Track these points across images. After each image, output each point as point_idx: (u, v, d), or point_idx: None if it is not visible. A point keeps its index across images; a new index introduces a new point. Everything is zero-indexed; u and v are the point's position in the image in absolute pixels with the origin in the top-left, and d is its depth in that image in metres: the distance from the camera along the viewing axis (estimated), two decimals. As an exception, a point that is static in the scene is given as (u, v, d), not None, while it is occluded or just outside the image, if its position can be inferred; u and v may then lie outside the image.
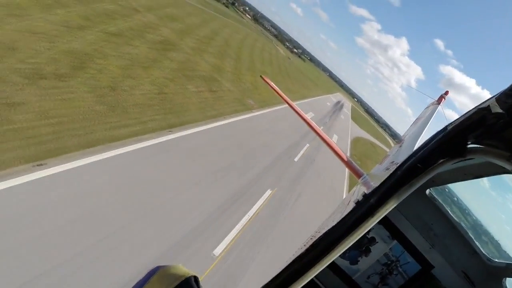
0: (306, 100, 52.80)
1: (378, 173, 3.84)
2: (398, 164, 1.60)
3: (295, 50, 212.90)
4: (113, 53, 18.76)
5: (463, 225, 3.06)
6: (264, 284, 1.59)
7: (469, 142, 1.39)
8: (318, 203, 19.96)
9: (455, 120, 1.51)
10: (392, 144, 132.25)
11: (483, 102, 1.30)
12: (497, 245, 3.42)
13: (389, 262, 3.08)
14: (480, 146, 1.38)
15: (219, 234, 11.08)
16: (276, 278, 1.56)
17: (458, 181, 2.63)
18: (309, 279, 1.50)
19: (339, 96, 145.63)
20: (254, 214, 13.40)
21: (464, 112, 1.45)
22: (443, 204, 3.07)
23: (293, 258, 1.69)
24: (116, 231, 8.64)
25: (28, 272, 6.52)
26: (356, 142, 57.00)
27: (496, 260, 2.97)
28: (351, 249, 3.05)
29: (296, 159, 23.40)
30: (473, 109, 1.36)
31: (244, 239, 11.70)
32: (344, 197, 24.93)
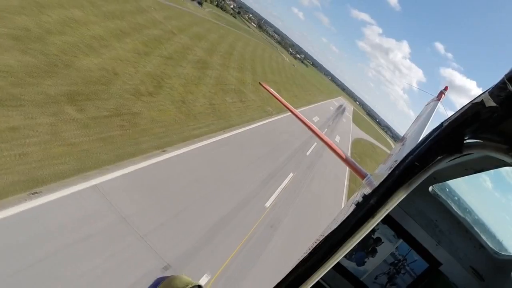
0: (311, 106, 59.17)
1: (381, 173, 3.66)
2: (396, 164, 1.60)
3: (298, 56, 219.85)
4: (173, 74, 25.20)
5: (468, 220, 3.07)
6: None
7: (466, 137, 1.40)
8: (325, 184, 26.32)
9: (450, 116, 1.53)
10: (393, 145, 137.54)
11: (476, 97, 1.33)
12: (503, 239, 3.27)
13: (396, 261, 3.10)
14: (477, 140, 1.38)
15: (266, 196, 17.41)
16: (281, 283, 1.59)
17: (460, 177, 2.68)
18: (313, 282, 1.54)
19: (341, 100, 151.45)
20: (284, 186, 19.73)
21: (459, 108, 1.50)
22: (447, 201, 3.09)
23: (297, 262, 1.72)
24: (211, 191, 15.00)
25: (177, 207, 12.87)
26: (357, 143, 63.06)
27: (503, 253, 2.99)
28: (357, 251, 3.07)
29: (307, 153, 29.67)
30: (467, 104, 1.39)
31: (281, 199, 18.03)
32: (345, 184, 31.23)
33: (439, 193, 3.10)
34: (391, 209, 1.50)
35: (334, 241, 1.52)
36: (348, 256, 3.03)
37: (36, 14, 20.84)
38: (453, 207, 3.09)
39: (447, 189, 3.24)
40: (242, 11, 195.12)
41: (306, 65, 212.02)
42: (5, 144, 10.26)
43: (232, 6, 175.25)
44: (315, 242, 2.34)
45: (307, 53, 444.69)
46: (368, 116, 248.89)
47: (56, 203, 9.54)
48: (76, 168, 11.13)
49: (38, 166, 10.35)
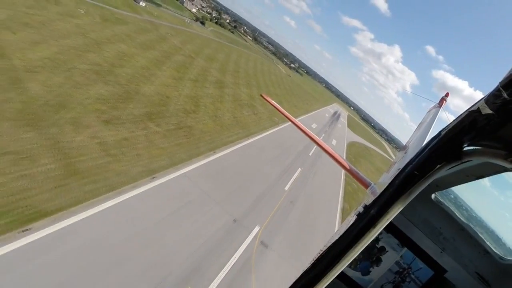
0: (309, 114, 65.94)
1: (385, 182, 3.13)
2: (396, 174, 1.62)
3: (292, 65, 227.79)
4: (203, 94, 31.71)
5: (471, 226, 3.07)
6: None
7: (464, 145, 1.41)
8: (326, 178, 32.71)
9: (448, 125, 1.54)
10: (387, 148, 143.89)
11: (473, 105, 1.34)
12: (507, 243, 3.30)
13: (401, 270, 3.09)
14: (476, 147, 1.41)
15: (284, 183, 23.80)
16: None
17: (461, 183, 2.67)
18: None
19: (336, 106, 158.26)
20: (296, 177, 26.11)
21: (456, 116, 1.51)
22: (450, 207, 3.09)
23: (301, 273, 1.73)
24: (249, 179, 21.39)
25: (232, 187, 19.24)
26: (351, 146, 69.53)
27: (509, 258, 3.00)
28: (362, 260, 3.07)
29: (310, 154, 36.10)
30: (464, 112, 1.40)
31: (295, 185, 24.45)
32: (342, 177, 37.62)
33: (442, 200, 3.09)
34: (392, 218, 1.54)
35: (337, 251, 1.56)
36: (353, 266, 3.03)
37: (98, 50, 27.53)
38: (457, 214, 3.08)
39: (450, 196, 3.26)
40: (237, 24, 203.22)
41: (301, 74, 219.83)
42: (125, 148, 16.66)
43: (228, 21, 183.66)
44: (319, 253, 2.18)
45: (300, 61, 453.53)
46: (363, 120, 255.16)
47: (166, 184, 15.90)
48: (170, 163, 17.51)
49: (149, 162, 16.73)
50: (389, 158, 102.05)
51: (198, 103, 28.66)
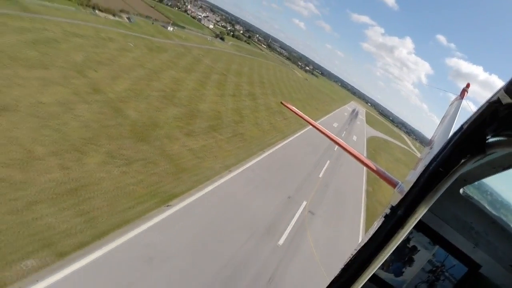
0: (329, 115, 71.47)
1: (412, 180, 2.72)
2: (421, 172, 1.60)
3: (307, 68, 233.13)
4: (242, 106, 38.02)
5: (503, 218, 3.02)
6: None
7: (488, 137, 1.39)
8: (351, 168, 38.31)
9: (469, 118, 1.53)
10: (407, 140, 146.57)
11: (492, 96, 1.33)
12: None
13: (434, 268, 3.05)
14: (500, 138, 1.38)
15: (318, 171, 29.66)
16: None
17: (489, 176, 2.61)
18: None
19: (353, 104, 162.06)
20: (326, 167, 31.90)
21: (477, 108, 1.49)
22: (480, 201, 3.04)
23: (331, 279, 1.73)
24: (292, 169, 27.41)
25: (282, 175, 25.31)
26: (371, 140, 74.38)
27: None
28: (394, 261, 3.04)
29: (335, 149, 41.77)
30: (484, 104, 1.39)
31: (326, 173, 30.25)
32: (365, 168, 43.16)
33: (471, 194, 3.01)
34: (419, 218, 1.52)
35: (366, 255, 1.55)
36: (385, 268, 3.00)
37: (158, 79, 34.27)
38: (487, 207, 3.00)
39: (479, 189, 3.21)
40: (250, 34, 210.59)
41: (317, 76, 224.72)
42: (206, 152, 22.96)
43: (241, 32, 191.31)
44: (349, 257, 2.13)
45: (313, 62, 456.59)
46: (381, 115, 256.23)
47: (239, 174, 22.05)
48: (236, 160, 23.73)
49: (223, 160, 22.98)
50: (409, 149, 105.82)
51: (241, 114, 34.97)
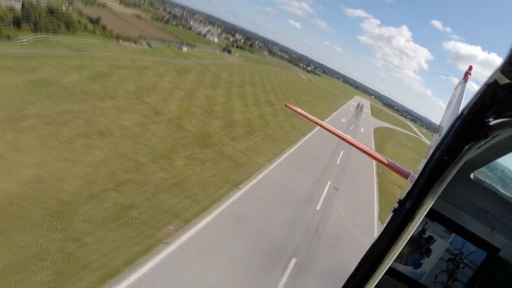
0: (337, 111, 77.90)
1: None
2: (425, 162, 1.59)
3: (309, 68, 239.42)
4: (264, 112, 44.74)
5: None
6: None
7: (490, 120, 1.37)
8: (361, 155, 44.70)
9: (468, 103, 1.51)
10: (413, 127, 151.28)
11: (489, 78, 1.31)
12: None
13: (452, 256, 3.02)
14: (503, 120, 1.36)
15: (335, 159, 36.20)
16: None
17: (498, 157, 2.61)
18: None
19: (357, 99, 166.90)
20: (341, 156, 38.37)
21: (475, 92, 1.46)
22: (492, 184, 3.01)
23: (347, 277, 1.71)
24: (315, 159, 34.02)
25: (308, 163, 31.96)
26: (377, 130, 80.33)
27: None
28: (412, 253, 3.01)
29: (347, 141, 48.24)
30: (482, 87, 1.37)
31: (342, 161, 36.74)
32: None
33: (482, 178, 3.00)
34: (428, 209, 1.50)
35: (379, 251, 1.54)
36: (403, 261, 2.95)
37: (194, 97, 41.23)
38: (500, 189, 2.96)
39: (490, 172, 3.19)
40: (251, 42, 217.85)
41: (319, 75, 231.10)
42: (250, 151, 29.63)
43: (242, 41, 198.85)
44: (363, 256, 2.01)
45: (314, 61, 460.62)
46: (385, 106, 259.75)
47: (278, 165, 28.72)
48: (273, 156, 30.41)
49: (264, 156, 29.67)
50: (415, 136, 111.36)
51: (265, 119, 41.72)
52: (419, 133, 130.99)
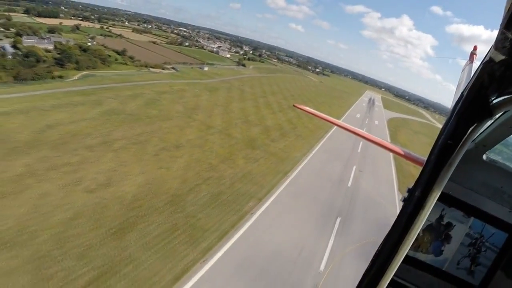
0: (351, 108, 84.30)
1: None
2: (431, 148, 1.56)
3: (317, 70, 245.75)
4: (290, 117, 51.74)
5: None
6: None
7: (492, 98, 1.35)
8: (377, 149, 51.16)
9: (467, 84, 1.49)
10: (424, 113, 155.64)
11: (485, 56, 1.31)
12: None
13: (473, 241, 2.96)
14: (505, 97, 1.34)
15: (356, 149, 42.82)
16: None
17: (508, 136, 2.58)
18: (385, 284, 1.52)
19: (368, 94, 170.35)
20: (361, 146, 44.92)
21: (473, 72, 1.44)
22: (505, 163, 2.98)
23: (364, 271, 1.69)
24: (341, 149, 40.78)
25: (336, 154, 38.79)
26: (390, 121, 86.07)
27: None
28: (432, 241, 2.96)
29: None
30: (479, 66, 1.37)
31: (362, 150, 43.30)
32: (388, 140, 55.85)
33: (494, 158, 2.95)
34: (439, 195, 1.47)
35: (392, 242, 1.52)
36: (424, 250, 2.90)
37: (231, 111, 48.44)
38: None
39: (502, 151, 3.12)
40: (260, 52, 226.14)
41: (328, 75, 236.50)
42: (288, 148, 36.68)
43: (251, 52, 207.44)
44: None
45: (320, 61, 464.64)
46: (396, 97, 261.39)
47: (313, 156, 35.63)
48: (307, 150, 37.39)
49: (300, 150, 36.66)
50: (427, 122, 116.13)
51: (292, 122, 48.76)
52: (431, 119, 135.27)
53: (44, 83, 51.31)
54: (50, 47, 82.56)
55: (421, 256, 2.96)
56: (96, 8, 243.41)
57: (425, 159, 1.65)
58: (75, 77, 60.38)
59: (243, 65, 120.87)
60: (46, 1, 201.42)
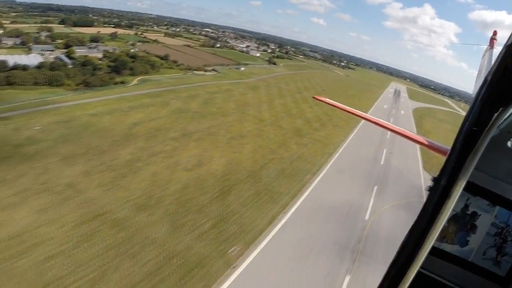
0: (379, 99, 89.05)
1: None
2: (455, 136, 1.50)
3: (342, 64, 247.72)
4: (326, 110, 58.03)
5: None
6: None
7: None
8: (406, 128, 56.64)
9: (491, 69, 1.45)
10: (451, 103, 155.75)
11: (508, 39, 1.27)
12: None
13: (499, 230, 2.82)
14: None
15: (385, 136, 48.61)
16: (383, 282, 1.58)
17: None
18: (413, 275, 1.48)
19: (393, 85, 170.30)
20: (390, 132, 50.69)
21: (496, 56, 1.42)
22: None
23: (391, 262, 1.63)
24: (371, 137, 46.88)
25: (367, 140, 44.94)
26: (416, 111, 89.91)
27: None
28: (457, 232, 2.83)
29: (391, 121, 60.03)
30: (502, 49, 1.33)
31: (392, 135, 49.02)
32: (415, 130, 60.62)
33: None
34: (465, 183, 1.41)
35: (418, 232, 1.48)
36: (449, 240, 2.78)
37: (274, 106, 55.21)
38: None
39: None
40: (286, 49, 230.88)
41: (353, 69, 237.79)
42: (330, 135, 43.17)
43: (278, 50, 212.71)
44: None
45: (343, 54, 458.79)
46: (421, 87, 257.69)
47: (351, 140, 41.95)
48: (344, 137, 43.77)
49: (339, 137, 43.04)
50: (452, 111, 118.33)
51: (328, 114, 55.04)
52: (456, 107, 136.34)
53: (110, 89, 58.30)
54: (100, 55, 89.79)
55: (446, 247, 2.82)
56: (121, 14, 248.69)
57: (449, 148, 1.66)
58: (135, 82, 68.01)
59: (274, 63, 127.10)
60: (72, 10, 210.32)
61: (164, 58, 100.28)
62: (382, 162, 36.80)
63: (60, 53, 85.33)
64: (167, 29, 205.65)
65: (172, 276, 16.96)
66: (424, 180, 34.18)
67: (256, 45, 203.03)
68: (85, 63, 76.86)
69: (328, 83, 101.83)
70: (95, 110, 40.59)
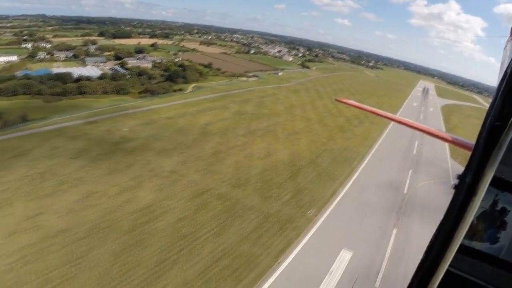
0: (408, 98, 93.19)
1: None
2: (479, 132, 1.45)
3: (370, 64, 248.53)
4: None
5: None
6: None
7: None
8: (432, 123, 61.72)
9: (511, 62, 1.42)
10: (479, 99, 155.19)
11: None
12: None
13: None
14: None
15: (416, 134, 54.23)
16: (412, 282, 1.54)
17: None
18: (442, 273, 1.46)
19: (422, 83, 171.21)
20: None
21: None
22: None
23: (420, 260, 1.60)
24: (402, 136, 52.80)
25: (397, 136, 50.99)
26: (444, 107, 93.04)
27: None
28: (486, 229, 2.59)
29: (421, 118, 64.84)
30: None
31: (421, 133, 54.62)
32: (443, 125, 65.44)
33: None
34: (491, 179, 1.36)
35: (446, 231, 1.44)
36: (479, 238, 2.56)
37: (316, 108, 61.93)
38: None
39: None
40: (315, 53, 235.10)
41: (382, 69, 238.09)
42: (367, 131, 49.48)
43: (308, 53, 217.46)
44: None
45: (370, 54, 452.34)
46: (450, 84, 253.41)
47: (386, 135, 48.09)
48: (380, 132, 49.84)
49: (374, 132, 49.27)
50: (480, 107, 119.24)
51: (364, 113, 60.99)
52: (484, 103, 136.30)
53: (171, 96, 64.09)
54: (149, 65, 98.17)
55: (476, 245, 2.53)
56: (150, 23, 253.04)
57: (474, 143, 1.59)
58: (190, 89, 75.48)
59: (307, 67, 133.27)
60: (103, 21, 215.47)
61: (208, 66, 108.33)
62: (414, 152, 42.83)
63: (113, 65, 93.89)
64: (199, 37, 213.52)
65: (272, 228, 23.94)
66: (451, 166, 39.95)
67: (287, 50, 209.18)
68: (141, 73, 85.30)
69: (359, 84, 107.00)
70: (168, 114, 47.45)
